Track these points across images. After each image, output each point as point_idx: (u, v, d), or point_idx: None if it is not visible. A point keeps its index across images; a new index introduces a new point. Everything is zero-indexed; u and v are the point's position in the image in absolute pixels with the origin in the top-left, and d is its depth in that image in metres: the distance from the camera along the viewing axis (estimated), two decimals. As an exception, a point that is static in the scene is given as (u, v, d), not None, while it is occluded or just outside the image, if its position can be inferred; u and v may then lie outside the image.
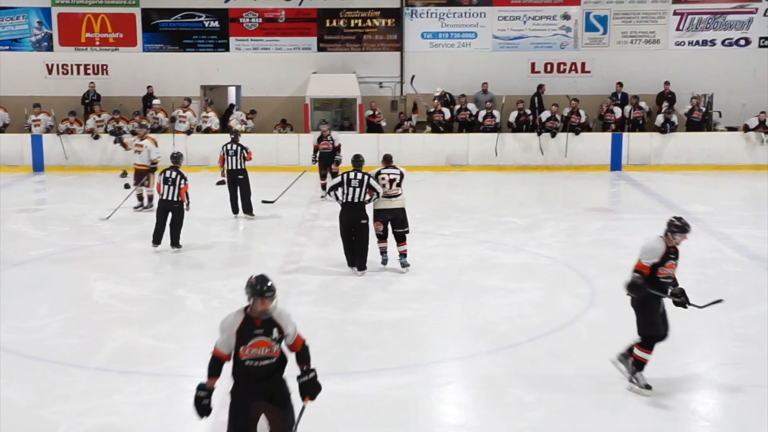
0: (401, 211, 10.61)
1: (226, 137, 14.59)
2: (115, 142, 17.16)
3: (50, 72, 21.59)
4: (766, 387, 6.83)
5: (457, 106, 20.24)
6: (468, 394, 7.04)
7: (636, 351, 6.89)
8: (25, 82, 21.22)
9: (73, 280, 10.22)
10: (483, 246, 12.00)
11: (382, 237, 10.69)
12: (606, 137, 19.69)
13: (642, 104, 20.13)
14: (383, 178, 10.51)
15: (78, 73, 21.57)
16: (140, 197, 14.82)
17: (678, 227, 6.84)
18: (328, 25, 21.52)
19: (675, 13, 21.32)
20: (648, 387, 6.79)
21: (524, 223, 13.55)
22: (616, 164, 19.60)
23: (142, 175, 14.68)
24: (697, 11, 21.26)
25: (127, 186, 15.87)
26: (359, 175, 10.33)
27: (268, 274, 5.48)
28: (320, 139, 15.65)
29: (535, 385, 6.94)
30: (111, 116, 19.86)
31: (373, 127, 20.14)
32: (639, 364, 6.87)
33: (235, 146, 13.90)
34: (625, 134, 19.67)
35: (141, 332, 8.21)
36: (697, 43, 21.36)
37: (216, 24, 21.52)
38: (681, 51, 21.36)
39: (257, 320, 5.41)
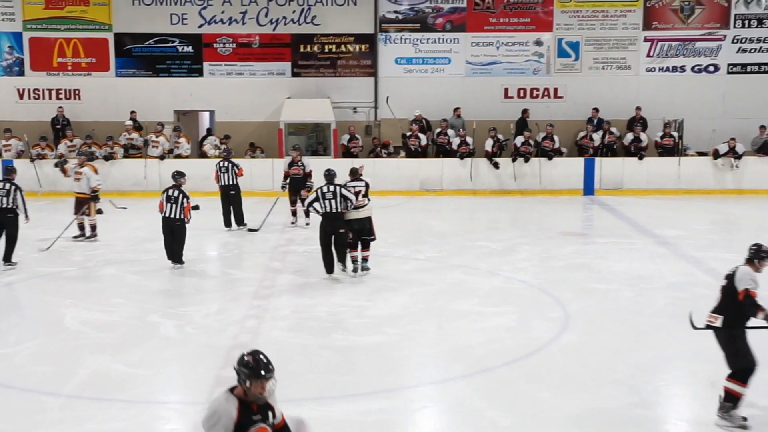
0: (368, 220, 11.58)
1: (200, 163, 14.61)
2: (56, 165, 16.49)
3: (21, 97, 21.46)
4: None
5: (437, 130, 20.30)
6: (443, 418, 7.01)
7: (730, 385, 6.57)
8: (-4, 106, 21.10)
9: (44, 307, 10.11)
10: (457, 270, 12.00)
11: (352, 246, 11.55)
12: (579, 162, 19.85)
13: (613, 130, 20.34)
14: (349, 191, 11.45)
15: (50, 97, 21.46)
16: (81, 227, 14.12)
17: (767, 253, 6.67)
18: (302, 50, 21.59)
19: (645, 40, 21.59)
20: (744, 420, 6.52)
21: (498, 248, 13.58)
22: (588, 189, 19.76)
23: (82, 204, 13.98)
24: (667, 38, 21.55)
25: (99, 211, 15.44)
26: (332, 188, 11.30)
27: (260, 349, 4.73)
28: (291, 165, 15.49)
29: (510, 409, 6.93)
30: (83, 141, 19.75)
31: (348, 152, 20.17)
32: (734, 399, 6.55)
33: (227, 163, 14.75)
34: (597, 159, 19.86)
35: (113, 359, 8.12)
36: (668, 69, 21.62)
37: (190, 49, 21.51)
38: (652, 77, 21.61)
39: (253, 404, 4.56)
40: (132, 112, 20.84)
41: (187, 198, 11.99)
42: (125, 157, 19.91)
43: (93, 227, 14.16)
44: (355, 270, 11.55)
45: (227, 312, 9.75)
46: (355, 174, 12.03)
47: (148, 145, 19.69)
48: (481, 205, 18.51)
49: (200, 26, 21.47)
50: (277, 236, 14.62)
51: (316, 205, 11.42)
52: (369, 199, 11.77)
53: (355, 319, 9.56)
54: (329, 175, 11.55)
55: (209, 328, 9.17)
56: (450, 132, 20.24)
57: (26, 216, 12.40)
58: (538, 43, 21.67)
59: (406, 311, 9.87)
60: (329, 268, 11.43)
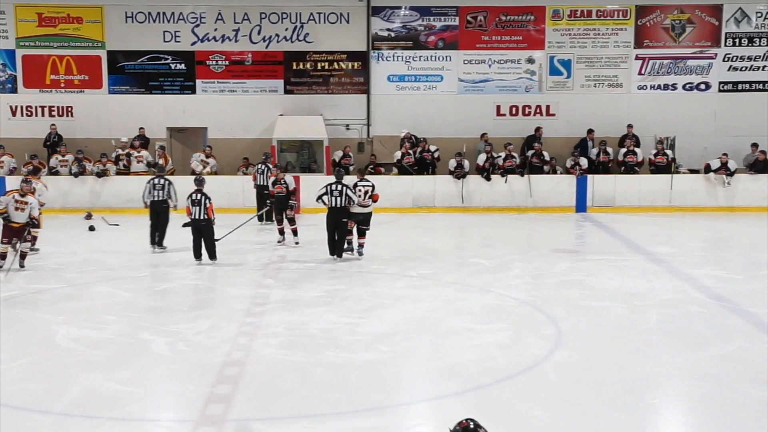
0: (368, 215, 14.05)
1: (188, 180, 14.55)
2: None
3: (14, 114, 21.48)
4: (730, 428, 6.86)
5: (419, 148, 20.38)
6: (436, 436, 6.99)
7: None
8: (-13, 123, 21.10)
9: (35, 324, 10.05)
10: (450, 288, 11.99)
11: (350, 232, 13.94)
12: (571, 179, 19.90)
13: (609, 150, 20.39)
14: (359, 190, 13.81)
15: (42, 114, 21.49)
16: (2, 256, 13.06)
17: None
18: (295, 67, 21.66)
19: (637, 58, 21.73)
20: None
21: (491, 265, 13.58)
22: (581, 206, 19.82)
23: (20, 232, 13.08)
24: (659, 56, 21.69)
25: (92, 228, 15.68)
26: (340, 187, 13.61)
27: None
28: (274, 183, 15.47)
29: (503, 427, 6.90)
30: (75, 156, 19.75)
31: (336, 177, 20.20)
32: None
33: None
34: (590, 176, 19.93)
35: (105, 376, 8.07)
36: (659, 87, 21.75)
37: (182, 66, 21.57)
38: (643, 95, 21.74)
39: None
40: (141, 128, 20.86)
41: (209, 199, 13.51)
42: (118, 173, 19.91)
43: (23, 256, 13.18)
44: (351, 250, 13.99)
45: (220, 329, 9.71)
46: (364, 174, 14.54)
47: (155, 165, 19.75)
48: (474, 223, 18.53)
49: (193, 44, 21.54)
50: (270, 253, 14.60)
51: (325, 198, 13.65)
52: (373, 201, 13.98)
53: (348, 336, 9.53)
54: (339, 174, 14.04)
55: (201, 345, 9.13)
56: (432, 147, 20.30)
57: (175, 206, 14.74)
58: (530, 60, 21.79)
59: (399, 328, 9.84)
60: (332, 251, 13.82)
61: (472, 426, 4.68)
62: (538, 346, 9.12)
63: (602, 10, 21.67)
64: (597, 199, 19.91)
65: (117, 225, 14.58)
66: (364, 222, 14.00)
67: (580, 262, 14.09)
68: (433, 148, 20.31)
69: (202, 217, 13.49)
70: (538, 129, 21.14)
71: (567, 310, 10.53)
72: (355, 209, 13.73)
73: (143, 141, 20.78)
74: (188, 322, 10.00)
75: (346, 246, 13.95)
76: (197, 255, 13.60)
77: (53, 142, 20.72)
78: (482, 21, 21.68)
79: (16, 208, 13.02)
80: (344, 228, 13.78)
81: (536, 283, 12.39)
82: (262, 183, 17.54)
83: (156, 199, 14.89)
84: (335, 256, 13.79)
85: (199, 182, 13.69)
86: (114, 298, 11.33)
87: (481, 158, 19.97)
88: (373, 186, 14.03)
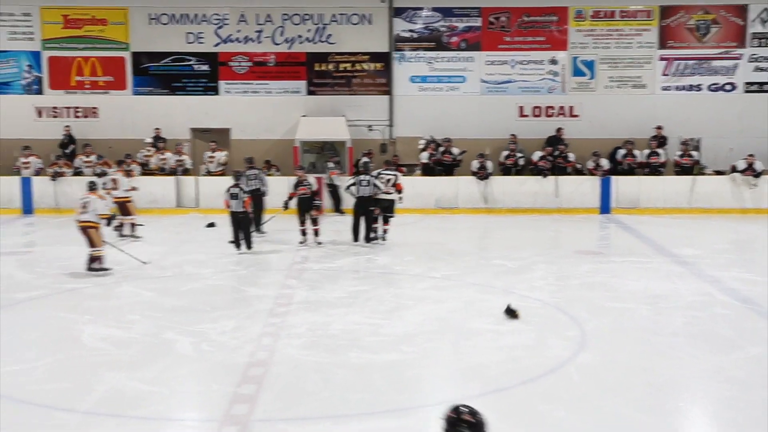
0: (392, 202, 15.34)
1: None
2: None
3: (40, 115, 21.66)
4: (755, 431, 6.80)
5: (441, 148, 20.33)
6: (459, 438, 6.97)
7: None
8: (15, 124, 21.31)
9: (61, 323, 10.14)
10: (473, 289, 11.98)
11: (376, 220, 15.25)
12: (594, 180, 19.80)
13: (636, 152, 20.19)
14: (383, 177, 15.28)
15: (68, 116, 21.66)
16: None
17: None
18: (317, 68, 21.71)
19: (661, 59, 21.60)
20: None
21: (514, 266, 13.55)
22: (605, 207, 19.71)
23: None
24: (683, 57, 21.55)
25: (118, 228, 15.70)
26: (367, 177, 15.15)
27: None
28: (297, 185, 15.36)
29: (527, 429, 6.89)
30: (98, 159, 19.91)
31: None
32: None
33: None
34: (614, 178, 19.81)
35: (129, 376, 8.13)
36: (684, 88, 21.61)
37: (206, 67, 21.68)
38: (668, 95, 21.60)
39: None
40: (156, 129, 20.98)
41: (247, 193, 14.60)
42: (143, 174, 20.02)
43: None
44: (375, 239, 15.21)
45: (243, 329, 9.75)
46: (389, 164, 16.32)
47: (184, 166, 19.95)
48: (497, 224, 18.49)
49: (216, 45, 21.64)
50: (293, 254, 14.64)
51: (353, 188, 15.16)
52: (397, 191, 15.31)
53: (371, 337, 9.54)
54: (365, 165, 15.73)
55: (225, 345, 9.17)
56: (454, 150, 20.27)
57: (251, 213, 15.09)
58: (553, 61, 21.71)
59: (422, 329, 9.84)
60: (356, 237, 15.24)
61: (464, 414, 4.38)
62: (561, 347, 9.09)
63: (626, 11, 21.56)
64: (621, 201, 19.78)
65: (146, 263, 13.98)
66: (388, 209, 15.28)
67: (604, 264, 14.02)
68: (456, 150, 20.24)
69: (240, 210, 14.41)
70: (559, 130, 21.06)
71: (591, 312, 10.49)
72: (380, 196, 15.07)
73: (161, 141, 20.83)
74: (212, 322, 10.04)
75: (372, 234, 15.19)
76: (237, 245, 14.55)
77: (65, 144, 20.86)
78: (505, 22, 21.64)
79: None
80: (370, 216, 15.10)
81: (560, 285, 12.35)
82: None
83: (249, 189, 15.77)
84: (357, 241, 15.17)
85: (238, 177, 14.93)
86: (139, 298, 11.41)
87: (474, 164, 19.93)
88: (396, 175, 15.49)
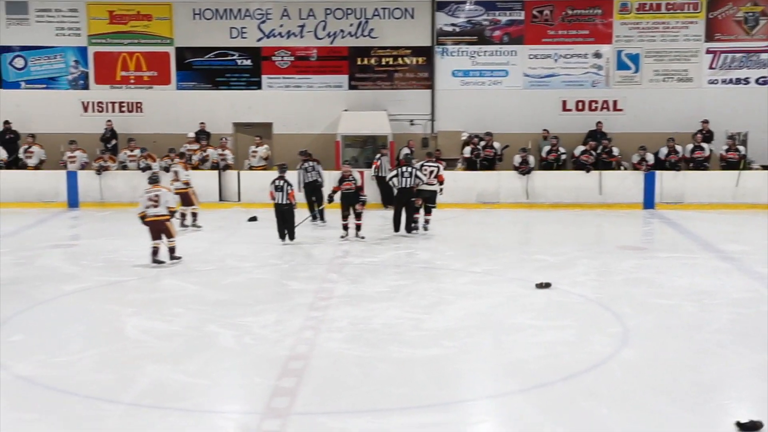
0: (433, 193, 15.70)
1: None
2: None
3: (86, 110, 21.93)
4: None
5: (483, 143, 20.22)
6: (500, 433, 6.95)
7: None
8: (61, 119, 21.60)
9: (105, 316, 10.27)
10: (514, 284, 11.91)
11: (417, 210, 15.66)
12: (637, 175, 19.58)
13: (678, 148, 19.88)
14: (425, 169, 15.69)
15: (113, 110, 21.91)
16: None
17: None
18: (359, 63, 21.72)
19: (708, 52, 21.28)
20: None
21: (556, 261, 13.44)
22: (649, 203, 19.48)
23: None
24: (730, 50, 21.21)
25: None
26: (409, 169, 15.55)
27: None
28: (342, 180, 15.29)
29: (568, 425, 6.83)
30: (141, 153, 20.10)
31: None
32: None
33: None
34: (658, 173, 19.56)
35: (172, 368, 8.21)
36: (731, 81, 21.28)
37: (249, 62, 21.79)
38: (714, 89, 21.29)
39: None
40: (201, 123, 21.15)
41: (291, 186, 14.80)
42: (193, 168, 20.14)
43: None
44: (416, 228, 15.58)
45: (284, 323, 9.80)
46: (430, 156, 16.88)
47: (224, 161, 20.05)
48: (539, 218, 18.36)
49: (259, 40, 21.74)
50: (334, 248, 14.67)
51: (395, 180, 15.66)
52: (439, 182, 15.62)
53: (412, 331, 9.54)
54: (408, 159, 16.39)
55: (267, 338, 9.22)
56: (496, 144, 20.19)
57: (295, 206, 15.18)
58: (597, 55, 21.50)
59: (463, 324, 9.81)
60: (397, 227, 15.70)
61: None
62: (603, 344, 9.01)
63: (672, 4, 21.26)
64: (665, 196, 19.53)
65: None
66: (430, 200, 15.67)
67: (648, 260, 13.87)
68: (498, 145, 20.13)
69: (284, 202, 14.70)
70: (598, 123, 20.82)
71: (634, 308, 10.38)
72: (423, 187, 15.41)
73: (204, 135, 20.97)
74: (254, 315, 10.11)
75: (412, 224, 15.57)
76: (282, 236, 14.87)
77: (106, 138, 21.09)
78: (548, 15, 21.47)
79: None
80: (412, 207, 15.48)
81: (602, 281, 12.24)
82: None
83: (308, 180, 16.67)
84: (397, 231, 15.64)
85: (283, 170, 14.91)
86: (182, 291, 11.52)
87: (545, 150, 19.90)
88: (438, 167, 15.87)
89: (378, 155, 19.44)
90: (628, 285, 11.85)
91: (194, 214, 16.62)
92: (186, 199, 16.36)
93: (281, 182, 14.72)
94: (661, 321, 9.90)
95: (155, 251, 13.03)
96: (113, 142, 21.06)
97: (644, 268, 13.03)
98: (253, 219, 17.45)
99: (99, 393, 7.53)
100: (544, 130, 20.81)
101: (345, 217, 15.39)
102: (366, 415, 6.94)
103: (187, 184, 16.48)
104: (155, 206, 12.98)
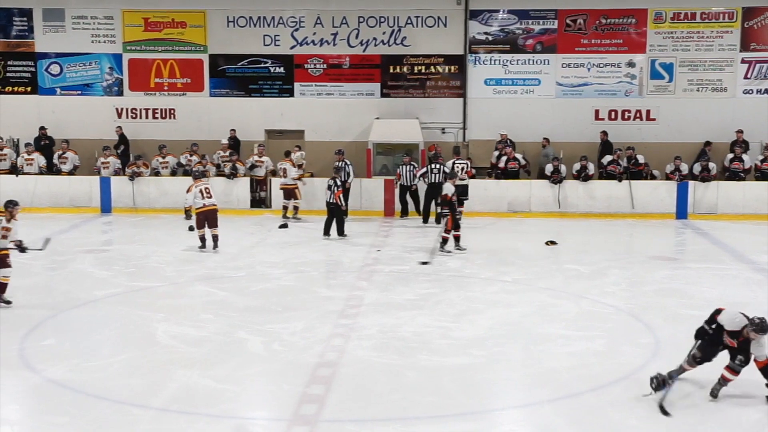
0: (465, 187, 17.63)
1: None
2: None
3: (120, 116, 22.13)
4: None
5: (504, 157, 20.01)
6: (528, 444, 6.92)
7: None
8: (96, 125, 21.80)
9: (136, 321, 10.34)
10: (544, 293, 11.86)
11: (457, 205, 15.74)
12: (671, 185, 19.41)
13: (711, 165, 19.57)
14: (457, 166, 17.72)
15: (146, 117, 22.10)
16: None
17: None
18: (391, 71, 21.74)
19: (743, 62, 21.06)
20: None
21: (587, 271, 13.37)
22: (681, 213, 19.30)
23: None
24: (766, 59, 20.97)
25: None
26: (438, 166, 17.80)
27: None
28: (424, 174, 18.26)
29: (598, 437, 6.79)
30: (177, 159, 20.27)
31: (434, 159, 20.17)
32: None
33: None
34: (691, 183, 19.37)
35: (201, 373, 8.26)
36: (766, 91, 21.03)
37: (281, 70, 21.89)
38: (749, 99, 21.06)
39: None
40: (232, 130, 21.29)
41: (338, 187, 16.00)
42: (217, 175, 20.26)
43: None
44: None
45: (314, 330, 9.83)
46: (458, 153, 18.83)
47: (254, 167, 20.09)
48: (570, 228, 18.24)
49: (292, 47, 21.83)
50: (364, 255, 14.69)
51: (426, 176, 17.79)
52: (469, 177, 17.97)
53: (441, 340, 9.52)
54: (435, 156, 18.28)
55: (296, 345, 9.25)
56: (518, 156, 20.01)
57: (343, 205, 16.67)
58: (631, 64, 21.36)
59: (492, 333, 9.79)
60: (425, 219, 17.98)
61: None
62: (634, 354, 8.95)
63: (707, 13, 21.08)
64: (698, 206, 19.35)
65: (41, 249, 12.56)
66: (463, 193, 16.86)
67: (680, 270, 13.75)
68: (520, 156, 19.98)
69: (331, 201, 15.97)
70: (602, 133, 20.61)
71: (665, 319, 10.30)
72: (456, 182, 15.92)
73: (233, 143, 21.08)
74: (283, 322, 10.14)
75: (442, 214, 15.42)
76: (326, 232, 16.10)
77: (117, 144, 21.19)
78: (582, 24, 21.37)
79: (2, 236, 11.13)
80: (442, 199, 15.45)
81: (633, 291, 12.15)
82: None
83: (328, 200, 16.71)
84: (426, 223, 17.69)
85: (337, 171, 16.51)
86: (211, 297, 11.58)
87: (548, 168, 19.63)
88: (467, 163, 18.29)
89: (404, 165, 19.06)
90: (660, 295, 11.75)
91: (296, 208, 18.67)
92: (290, 193, 18.59)
93: (331, 182, 16.07)
94: (692, 332, 9.76)
95: (203, 238, 14.71)
96: (121, 147, 21.16)
97: (676, 279, 12.92)
98: (284, 226, 17.53)
99: (129, 398, 7.60)
100: (545, 138, 20.67)
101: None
102: (394, 424, 6.94)
103: (297, 179, 18.67)
104: (209, 197, 14.70)
